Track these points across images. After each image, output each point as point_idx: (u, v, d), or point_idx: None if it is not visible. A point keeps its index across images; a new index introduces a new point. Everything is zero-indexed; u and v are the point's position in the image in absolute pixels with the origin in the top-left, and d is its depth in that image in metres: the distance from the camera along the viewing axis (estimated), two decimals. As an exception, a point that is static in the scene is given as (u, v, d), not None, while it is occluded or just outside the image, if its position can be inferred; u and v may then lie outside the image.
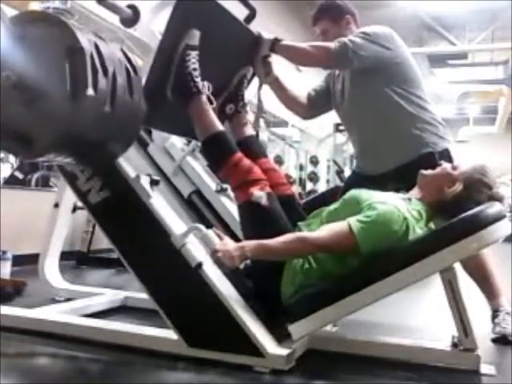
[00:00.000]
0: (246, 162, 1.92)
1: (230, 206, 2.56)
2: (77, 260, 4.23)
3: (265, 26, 2.25)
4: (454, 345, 1.78)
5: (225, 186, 2.56)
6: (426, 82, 2.33)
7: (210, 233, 1.75)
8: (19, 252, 3.42)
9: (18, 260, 3.30)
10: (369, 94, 2.22)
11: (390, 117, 2.20)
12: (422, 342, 1.91)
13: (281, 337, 1.74)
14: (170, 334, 1.81)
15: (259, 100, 2.30)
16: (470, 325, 1.71)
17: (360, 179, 2.29)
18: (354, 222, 1.66)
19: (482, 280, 2.20)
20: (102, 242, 4.20)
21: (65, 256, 3.19)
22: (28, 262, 3.33)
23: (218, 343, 1.74)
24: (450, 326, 1.77)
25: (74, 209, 3.08)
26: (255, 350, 1.66)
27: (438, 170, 1.86)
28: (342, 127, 6.89)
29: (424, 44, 9.22)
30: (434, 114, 2.23)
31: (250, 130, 2.20)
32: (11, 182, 4.13)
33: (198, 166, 2.71)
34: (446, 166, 1.87)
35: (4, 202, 3.59)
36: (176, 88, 1.93)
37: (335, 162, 7.07)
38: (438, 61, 9.62)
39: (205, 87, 1.94)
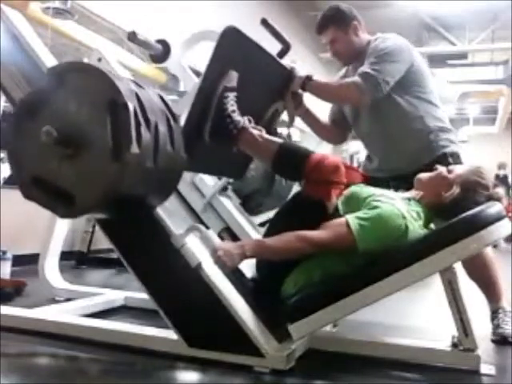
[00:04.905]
0: (332, 159, 1.81)
1: (229, 206, 2.56)
2: (77, 260, 4.23)
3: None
4: (454, 345, 1.78)
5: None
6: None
7: (210, 232, 1.75)
8: (19, 252, 3.42)
9: (18, 260, 3.30)
10: (385, 104, 2.17)
11: (407, 125, 2.19)
12: (422, 342, 1.91)
13: (281, 337, 1.74)
14: (170, 334, 1.81)
15: (289, 136, 2.28)
16: (470, 325, 1.71)
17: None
18: (352, 219, 1.66)
19: (482, 280, 2.20)
20: (102, 242, 4.20)
21: (65, 256, 3.19)
22: (28, 262, 3.33)
23: (218, 343, 1.74)
24: (450, 326, 1.77)
25: (74, 209, 3.08)
26: (255, 350, 1.66)
27: (433, 173, 1.86)
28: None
29: (424, 44, 9.20)
30: (443, 121, 2.23)
31: None
32: (11, 182, 4.12)
33: (229, 203, 2.62)
34: (441, 170, 1.87)
35: (4, 202, 3.59)
36: (216, 130, 1.87)
37: (335, 162, 7.08)
38: (437, 61, 9.60)
39: (246, 121, 1.89)
